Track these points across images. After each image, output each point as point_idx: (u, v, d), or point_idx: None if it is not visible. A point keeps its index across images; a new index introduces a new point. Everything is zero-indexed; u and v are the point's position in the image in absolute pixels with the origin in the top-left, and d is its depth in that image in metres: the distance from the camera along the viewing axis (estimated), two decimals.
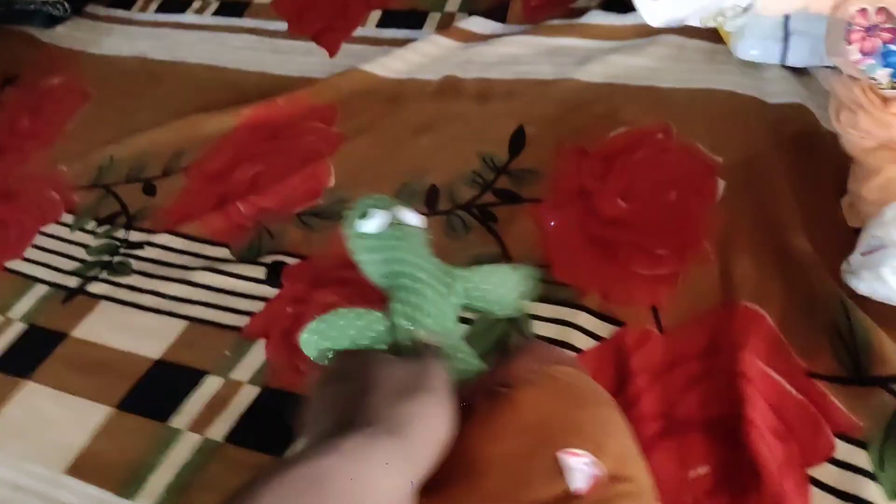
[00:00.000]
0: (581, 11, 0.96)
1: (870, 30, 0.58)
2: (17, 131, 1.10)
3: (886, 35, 0.57)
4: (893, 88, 0.58)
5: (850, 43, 0.58)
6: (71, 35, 1.25)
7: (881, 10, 0.57)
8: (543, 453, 0.41)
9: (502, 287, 0.62)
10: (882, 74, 0.58)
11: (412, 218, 0.63)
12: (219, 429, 0.67)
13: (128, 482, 0.66)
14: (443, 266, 0.60)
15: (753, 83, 0.81)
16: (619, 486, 0.41)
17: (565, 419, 0.43)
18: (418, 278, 0.59)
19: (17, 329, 0.82)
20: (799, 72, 0.80)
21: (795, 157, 0.74)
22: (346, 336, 0.57)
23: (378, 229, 0.61)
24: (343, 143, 0.91)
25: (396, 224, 0.63)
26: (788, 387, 0.58)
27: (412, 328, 0.54)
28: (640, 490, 0.42)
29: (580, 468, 0.43)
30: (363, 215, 0.63)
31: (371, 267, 0.63)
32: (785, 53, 0.79)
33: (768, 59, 0.80)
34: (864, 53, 0.58)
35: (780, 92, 0.79)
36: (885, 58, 0.58)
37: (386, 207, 0.64)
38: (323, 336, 0.58)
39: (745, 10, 0.57)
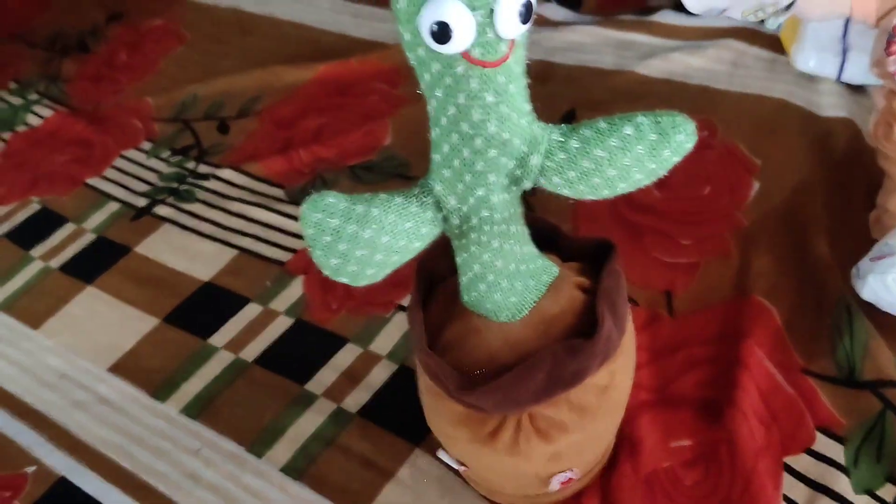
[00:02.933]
0: (653, 10, 0.98)
1: None
2: (115, 64, 1.18)
3: None
4: None
5: (889, 54, 0.58)
6: None
7: None
8: None
9: None
10: None
11: None
12: (251, 351, 0.72)
13: (162, 386, 0.71)
14: None
15: (806, 94, 0.82)
16: None
17: None
18: None
19: (88, 238, 0.90)
20: (855, 89, 0.81)
21: (834, 169, 0.74)
22: None
23: None
24: (404, 106, 0.95)
25: None
26: (781, 379, 0.60)
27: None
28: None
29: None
30: None
31: None
32: (842, 68, 0.80)
33: (825, 73, 0.81)
34: None
35: (832, 105, 0.79)
36: None
37: None
38: None
39: (786, 8, 0.58)
